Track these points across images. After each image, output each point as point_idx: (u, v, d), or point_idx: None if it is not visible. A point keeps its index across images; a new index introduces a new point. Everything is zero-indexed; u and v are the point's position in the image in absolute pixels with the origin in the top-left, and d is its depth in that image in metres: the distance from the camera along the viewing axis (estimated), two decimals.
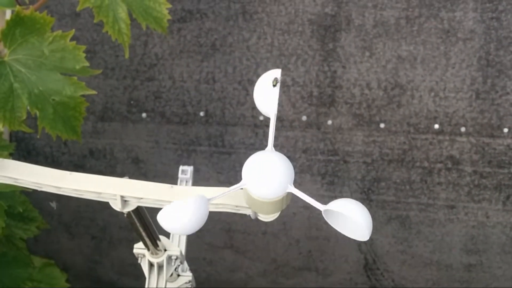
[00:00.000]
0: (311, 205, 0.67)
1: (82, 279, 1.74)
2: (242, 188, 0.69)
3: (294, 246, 1.67)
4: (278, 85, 0.69)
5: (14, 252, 1.37)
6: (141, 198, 0.79)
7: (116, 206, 0.80)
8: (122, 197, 0.79)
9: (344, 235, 0.65)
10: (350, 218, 0.63)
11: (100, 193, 0.79)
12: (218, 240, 1.68)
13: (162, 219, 0.63)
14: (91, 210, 1.68)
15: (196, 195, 0.64)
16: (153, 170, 1.62)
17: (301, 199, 0.69)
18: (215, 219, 1.66)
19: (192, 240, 1.64)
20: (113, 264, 1.74)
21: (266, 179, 0.66)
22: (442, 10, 1.50)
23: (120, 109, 1.60)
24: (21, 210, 1.27)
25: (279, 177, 0.66)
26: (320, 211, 0.68)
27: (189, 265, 1.09)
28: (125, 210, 0.80)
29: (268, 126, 1.56)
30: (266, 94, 0.68)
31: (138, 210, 0.83)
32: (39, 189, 0.79)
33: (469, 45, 1.51)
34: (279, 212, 0.75)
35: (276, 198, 0.68)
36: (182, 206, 0.63)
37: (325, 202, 1.64)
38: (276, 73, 0.69)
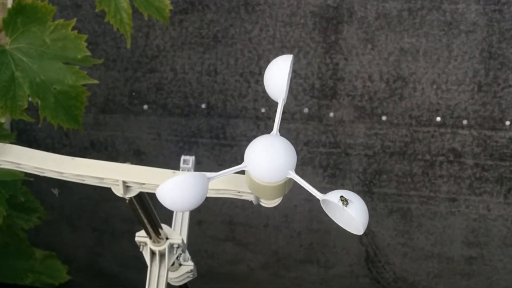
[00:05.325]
0: (313, 198, 0.67)
1: (83, 272, 1.74)
2: (244, 172, 0.69)
3: (295, 238, 1.66)
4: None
5: (16, 244, 1.37)
6: (143, 184, 0.79)
7: (118, 191, 0.80)
8: (124, 182, 0.79)
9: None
10: (346, 210, 0.63)
11: (102, 178, 0.79)
12: (220, 233, 1.67)
13: (161, 193, 0.62)
14: (93, 203, 1.68)
15: (196, 172, 0.64)
16: (155, 162, 1.62)
17: (303, 191, 0.69)
18: (216, 211, 1.66)
19: (194, 232, 1.64)
20: (115, 256, 1.74)
21: (268, 162, 0.65)
22: (445, 2, 1.50)
23: (121, 101, 1.60)
24: (22, 200, 1.27)
25: (280, 160, 0.66)
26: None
27: (190, 257, 1.09)
28: (127, 196, 0.80)
29: (269, 118, 1.57)
30: (277, 78, 0.67)
31: (140, 197, 0.83)
32: (41, 174, 0.79)
33: (471, 38, 1.51)
34: (281, 198, 0.75)
35: (277, 182, 0.67)
36: (181, 180, 0.62)
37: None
38: (289, 58, 0.67)
